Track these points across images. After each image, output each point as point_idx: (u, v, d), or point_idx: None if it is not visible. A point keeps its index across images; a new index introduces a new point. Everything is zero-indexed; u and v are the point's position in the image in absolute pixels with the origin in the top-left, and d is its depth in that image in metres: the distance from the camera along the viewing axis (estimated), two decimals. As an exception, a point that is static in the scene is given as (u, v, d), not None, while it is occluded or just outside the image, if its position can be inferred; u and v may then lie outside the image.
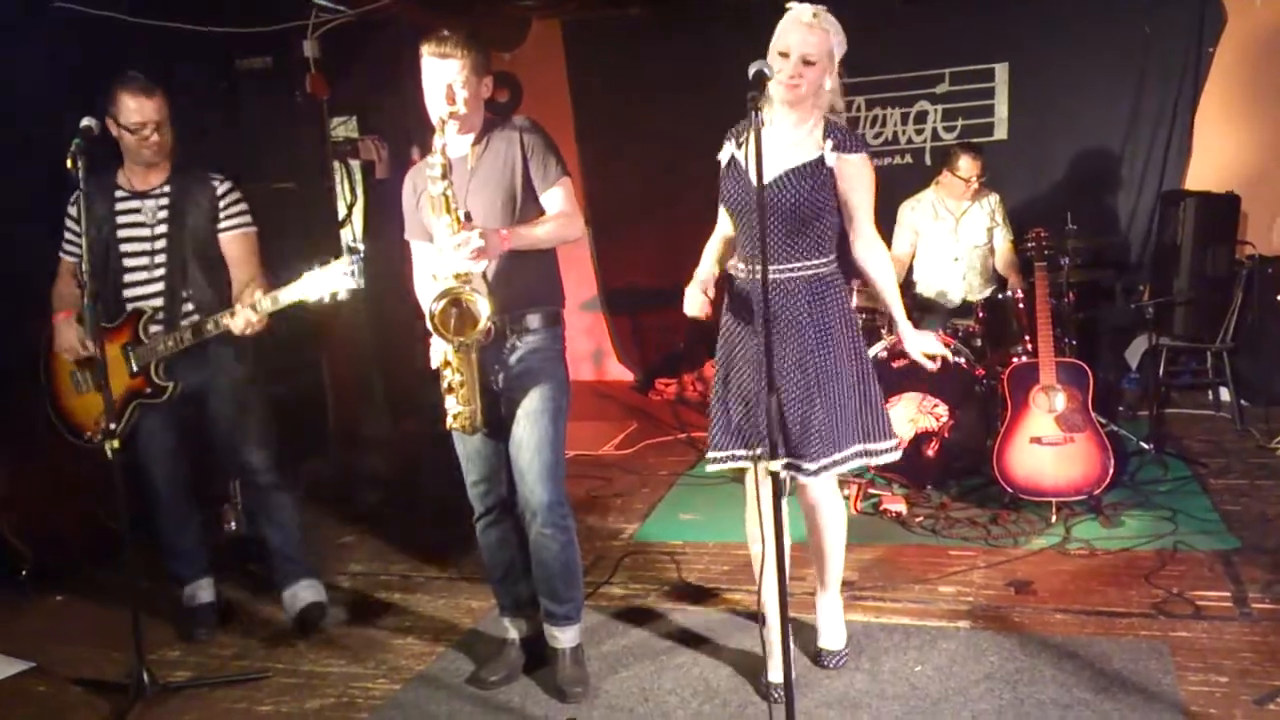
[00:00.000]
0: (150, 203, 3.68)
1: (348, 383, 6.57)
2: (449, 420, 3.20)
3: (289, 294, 3.41)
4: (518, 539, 3.50)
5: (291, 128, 6.07)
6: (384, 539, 4.98)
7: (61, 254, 3.83)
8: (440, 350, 3.14)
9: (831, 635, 3.50)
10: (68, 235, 3.79)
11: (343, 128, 6.85)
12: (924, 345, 3.22)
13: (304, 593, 3.96)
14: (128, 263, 3.68)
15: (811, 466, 3.11)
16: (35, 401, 4.59)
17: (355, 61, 6.27)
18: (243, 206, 3.76)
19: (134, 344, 3.66)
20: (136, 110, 3.57)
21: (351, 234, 7.08)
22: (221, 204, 3.71)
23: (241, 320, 3.51)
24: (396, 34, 6.55)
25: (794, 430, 3.10)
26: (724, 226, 3.33)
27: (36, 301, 3.89)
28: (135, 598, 3.41)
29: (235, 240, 3.74)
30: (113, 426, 3.43)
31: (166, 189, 3.70)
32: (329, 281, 3.35)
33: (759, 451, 3.15)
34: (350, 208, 7.03)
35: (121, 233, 3.68)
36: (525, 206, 3.20)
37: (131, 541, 3.40)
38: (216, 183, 3.73)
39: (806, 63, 2.97)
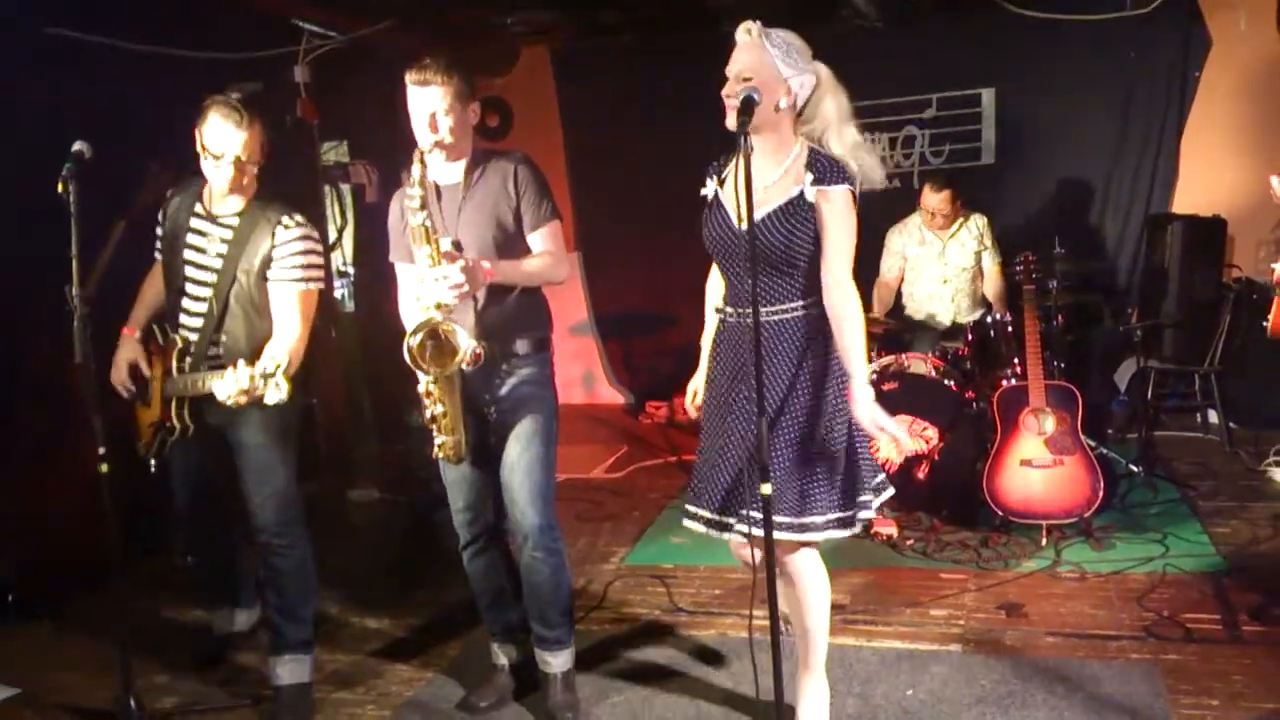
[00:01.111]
0: (216, 231, 3.43)
1: (337, 406, 6.57)
2: (435, 449, 3.19)
3: (229, 380, 3.09)
4: (505, 565, 3.50)
5: (282, 152, 6.05)
6: (373, 563, 4.96)
7: (156, 255, 3.67)
8: (422, 380, 3.08)
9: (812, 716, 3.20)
10: (158, 233, 3.63)
11: (333, 152, 6.88)
12: (874, 417, 2.81)
13: (281, 669, 3.55)
14: (188, 286, 3.47)
15: (783, 521, 2.87)
16: (38, 427, 4.59)
17: (346, 86, 6.29)
18: (301, 260, 3.38)
19: (168, 374, 3.50)
20: (220, 138, 3.30)
21: (341, 258, 7.09)
22: (277, 250, 3.37)
23: (218, 386, 3.14)
24: (387, 59, 6.53)
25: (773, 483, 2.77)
26: (716, 270, 3.19)
27: (31, 329, 3.85)
28: (122, 624, 3.38)
29: (280, 291, 3.38)
30: (145, 446, 3.57)
31: (234, 221, 3.41)
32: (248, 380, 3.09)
33: (730, 520, 2.99)
34: (340, 231, 7.05)
35: (188, 252, 3.46)
36: (515, 241, 3.19)
37: (122, 565, 3.38)
38: (283, 226, 3.37)
39: (741, 79, 2.80)
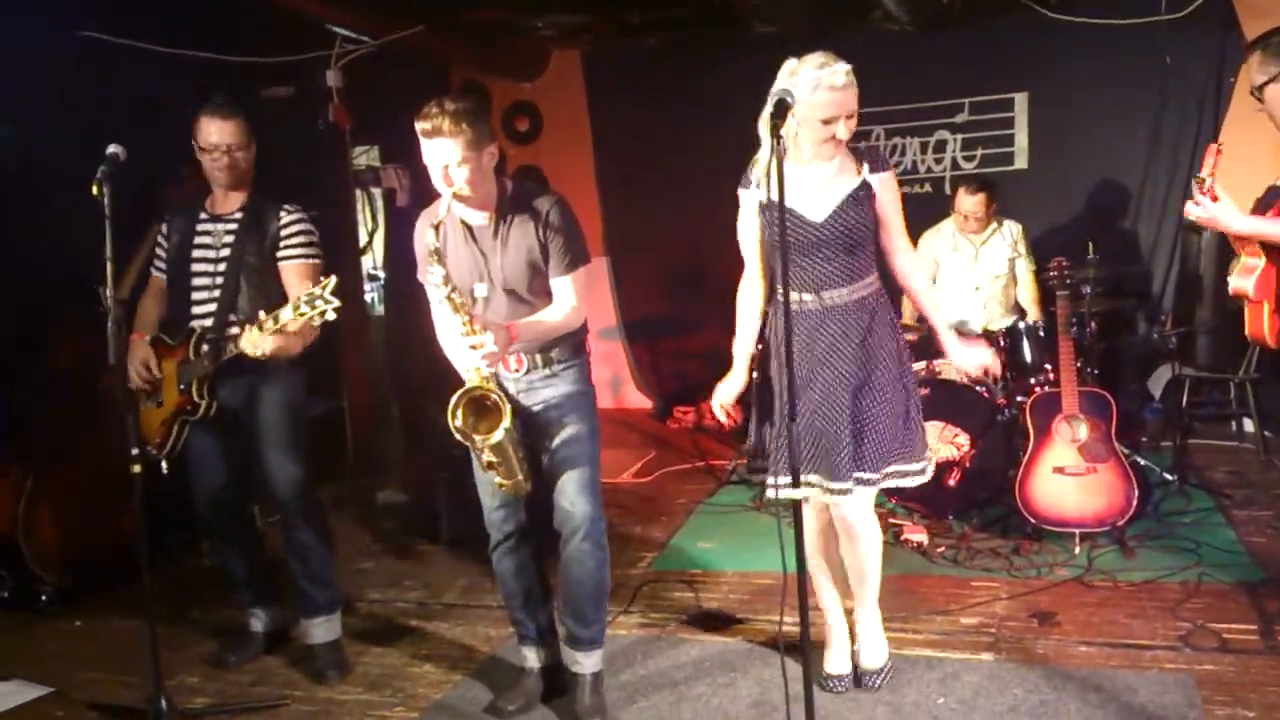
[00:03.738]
0: (221, 226, 3.72)
1: (365, 408, 6.60)
2: (498, 482, 3.21)
3: (286, 313, 3.36)
4: (535, 566, 3.50)
5: (314, 156, 6.13)
6: (401, 565, 4.98)
7: (152, 270, 3.91)
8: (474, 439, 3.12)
9: (872, 653, 3.52)
10: (158, 253, 3.87)
11: (364, 156, 6.92)
12: (973, 359, 3.44)
13: (316, 630, 3.88)
14: (195, 282, 3.71)
15: (847, 485, 3.21)
16: (58, 426, 4.64)
17: (377, 91, 6.32)
18: (305, 238, 3.73)
19: (184, 361, 3.69)
20: (213, 133, 3.63)
21: (372, 261, 7.14)
22: (283, 232, 3.70)
23: (247, 342, 3.49)
24: (418, 63, 6.62)
25: (845, 448, 3.21)
26: (753, 273, 3.42)
27: (59, 331, 3.92)
28: (153, 623, 3.40)
29: (290, 270, 3.70)
30: (158, 445, 3.73)
31: (238, 215, 3.72)
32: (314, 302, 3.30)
33: (824, 482, 3.27)
34: (371, 235, 7.09)
35: (195, 253, 3.72)
36: (549, 278, 3.22)
37: (150, 565, 3.40)
38: (285, 212, 3.72)
39: (849, 118, 3.12)
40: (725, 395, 3.43)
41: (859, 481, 3.24)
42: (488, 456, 3.12)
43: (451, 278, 3.00)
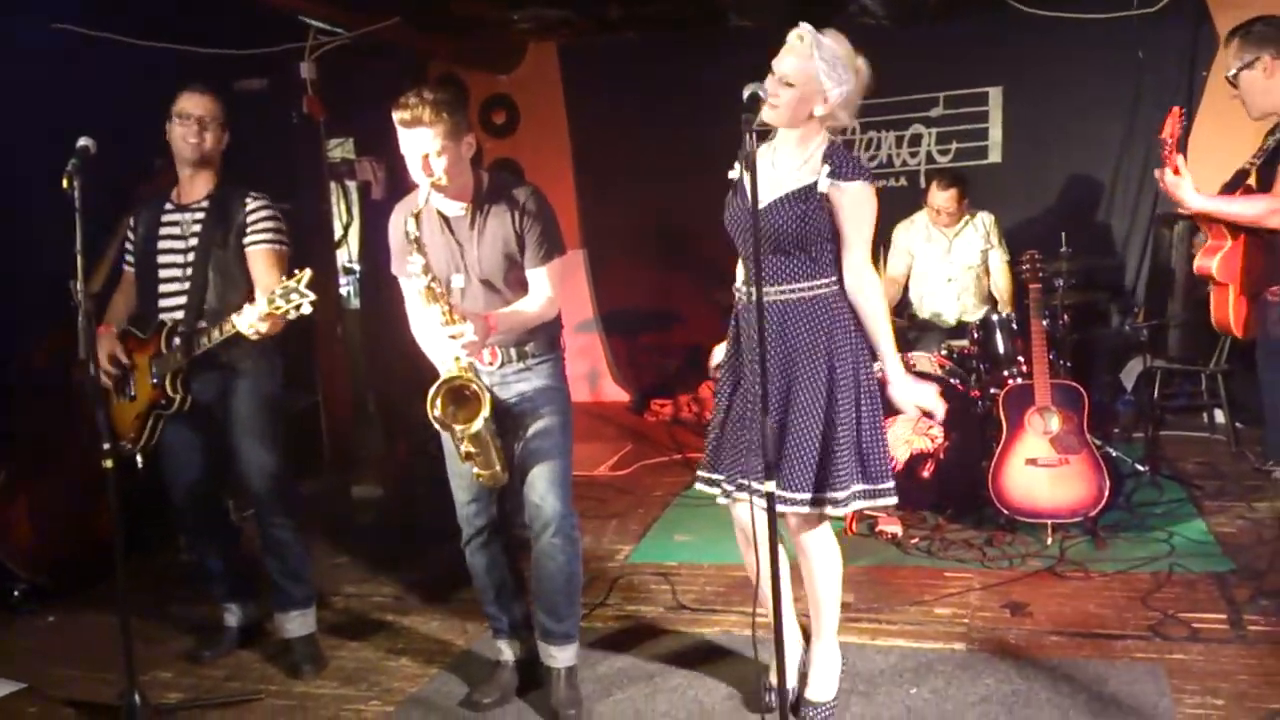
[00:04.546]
0: (189, 216, 3.69)
1: (342, 403, 6.57)
2: (475, 473, 3.21)
3: (260, 305, 3.31)
4: (508, 560, 3.50)
5: (288, 149, 6.09)
6: (377, 560, 4.96)
7: (123, 265, 3.89)
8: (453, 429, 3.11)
9: (820, 686, 3.29)
10: (126, 247, 3.84)
11: (339, 149, 6.89)
12: (914, 397, 3.08)
13: (291, 624, 3.86)
14: (163, 274, 3.69)
15: (796, 497, 3.01)
16: (31, 422, 4.61)
17: (352, 83, 6.29)
18: (271, 225, 3.70)
19: (156, 355, 3.66)
20: (190, 103, 3.64)
21: (347, 254, 7.10)
22: (249, 220, 3.67)
23: (244, 320, 3.38)
24: (393, 56, 6.59)
25: (784, 459, 3.01)
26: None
27: (31, 326, 3.89)
28: (125, 618, 3.38)
29: (256, 256, 3.66)
30: (132, 440, 3.71)
31: (205, 204, 3.69)
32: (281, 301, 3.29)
33: (734, 487, 3.15)
34: (346, 228, 7.06)
35: (161, 244, 3.70)
36: (523, 271, 3.22)
37: (125, 560, 3.38)
38: (251, 199, 3.70)
39: (785, 84, 2.93)
40: (717, 357, 3.35)
41: (759, 493, 2.88)
42: (466, 447, 3.11)
43: (431, 267, 3.00)
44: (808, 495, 3.03)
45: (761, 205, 2.94)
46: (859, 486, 3.07)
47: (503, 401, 3.25)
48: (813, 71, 2.92)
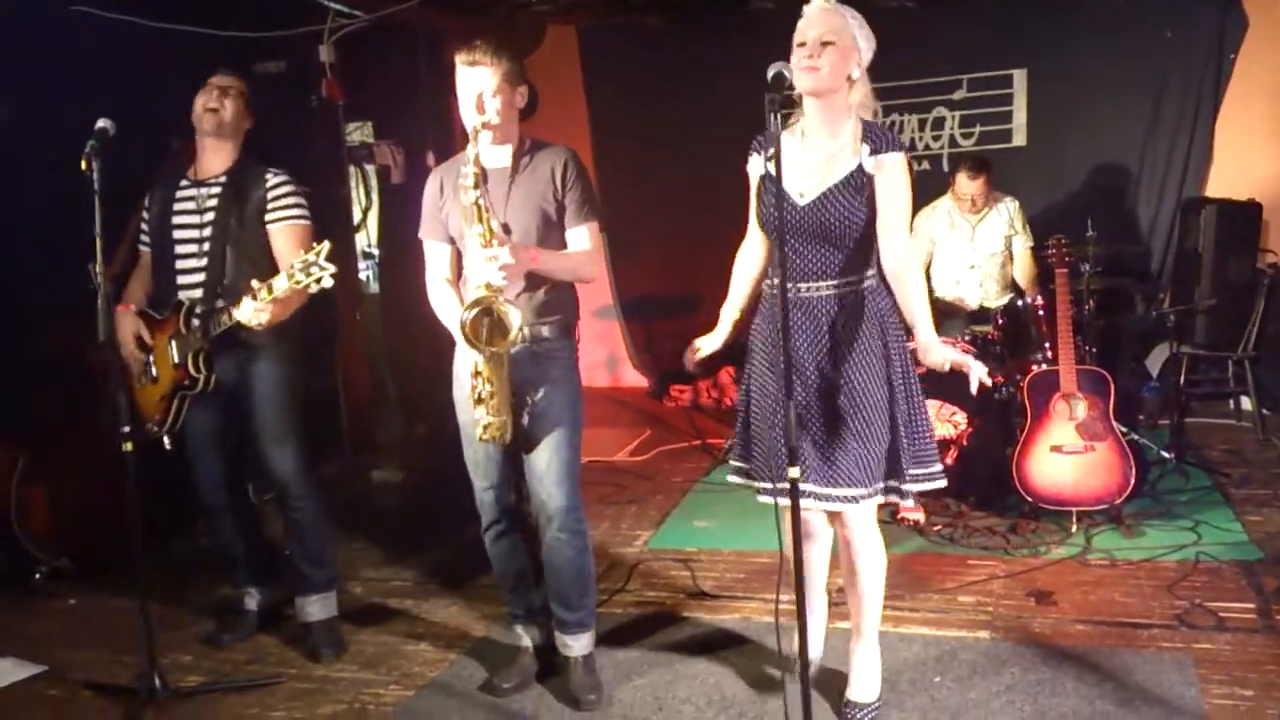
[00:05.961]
0: (205, 191, 3.64)
1: (361, 387, 6.57)
2: (479, 431, 3.14)
3: (280, 281, 3.30)
4: (527, 547, 3.48)
5: (307, 133, 6.07)
6: (397, 545, 4.96)
7: (140, 247, 3.85)
8: (471, 360, 3.07)
9: (863, 687, 3.21)
10: (142, 228, 3.82)
11: (358, 132, 6.86)
12: (946, 357, 2.95)
13: (311, 608, 3.86)
14: (179, 249, 3.65)
15: (846, 493, 2.95)
16: (52, 405, 4.61)
17: (371, 66, 6.27)
18: (293, 200, 3.65)
19: (177, 335, 3.63)
20: (216, 78, 3.64)
21: (366, 238, 7.09)
22: (270, 196, 3.62)
23: (245, 312, 3.37)
24: (412, 39, 6.55)
25: (828, 457, 2.96)
26: (754, 239, 3.20)
27: (56, 308, 3.88)
28: (145, 600, 3.40)
29: (279, 233, 3.62)
30: (159, 421, 3.69)
31: (223, 179, 3.64)
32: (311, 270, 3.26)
33: (774, 485, 3.05)
34: (365, 212, 7.04)
35: (176, 219, 3.65)
36: (555, 231, 3.20)
37: (145, 544, 3.38)
38: (270, 176, 3.64)
39: (824, 43, 2.81)
40: (701, 342, 3.20)
41: (812, 496, 2.96)
42: (485, 379, 3.06)
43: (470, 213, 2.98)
44: (878, 487, 3.00)
45: (809, 199, 2.91)
46: (916, 471, 3.05)
47: (513, 384, 3.22)
48: (847, 27, 2.86)
